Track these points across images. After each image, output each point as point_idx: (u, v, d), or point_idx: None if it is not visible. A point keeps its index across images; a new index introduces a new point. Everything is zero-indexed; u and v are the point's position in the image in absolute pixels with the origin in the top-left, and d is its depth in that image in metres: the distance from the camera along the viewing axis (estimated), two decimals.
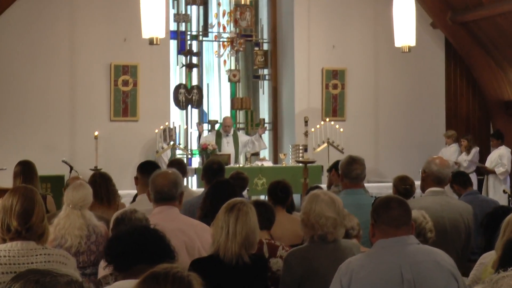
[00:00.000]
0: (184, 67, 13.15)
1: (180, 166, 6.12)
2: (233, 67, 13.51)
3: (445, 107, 14.09)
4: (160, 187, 4.28)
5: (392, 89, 13.68)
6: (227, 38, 13.36)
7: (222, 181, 5.50)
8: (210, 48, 13.71)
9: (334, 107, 13.31)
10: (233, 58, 13.54)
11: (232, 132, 12.44)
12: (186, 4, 13.07)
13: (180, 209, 4.44)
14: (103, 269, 3.83)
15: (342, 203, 3.87)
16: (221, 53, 13.42)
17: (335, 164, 6.25)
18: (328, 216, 3.80)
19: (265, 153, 13.33)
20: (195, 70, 13.33)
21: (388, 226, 3.38)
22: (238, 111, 13.51)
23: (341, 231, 3.87)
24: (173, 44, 13.13)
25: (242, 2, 12.78)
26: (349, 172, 5.22)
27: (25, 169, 6.49)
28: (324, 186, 10.04)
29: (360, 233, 4.48)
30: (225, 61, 13.57)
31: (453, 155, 12.90)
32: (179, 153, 12.69)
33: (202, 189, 6.58)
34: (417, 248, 3.40)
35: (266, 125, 13.47)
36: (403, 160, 13.37)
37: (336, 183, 6.00)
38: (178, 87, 12.90)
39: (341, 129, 12.38)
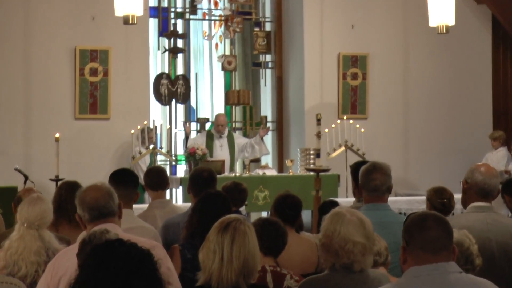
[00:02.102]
0: (167, 52, 13.14)
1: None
2: (227, 53, 13.49)
3: (491, 102, 14.07)
4: (94, 202, 4.28)
5: (425, 80, 13.66)
6: (220, 16, 13.35)
7: (213, 194, 5.47)
8: (199, 29, 13.70)
9: (353, 101, 13.29)
10: (227, 41, 13.53)
11: (226, 133, 12.42)
12: None
13: (120, 225, 4.43)
14: None
15: (372, 225, 3.85)
16: (212, 35, 13.41)
17: (353, 169, 6.21)
18: (356, 241, 3.77)
19: (267, 159, 13.30)
20: (180, 56, 13.32)
21: (423, 250, 3.34)
22: (234, 107, 13.49)
23: (370, 260, 3.84)
24: (153, 23, 13.12)
25: None
26: (366, 183, 5.22)
27: None
28: (340, 199, 10.02)
29: (389, 259, 4.45)
30: (217, 45, 13.55)
31: (501, 161, 12.88)
32: (160, 159, 12.66)
33: (189, 204, 6.55)
34: (459, 278, 3.37)
35: (269, 124, 13.44)
36: (440, 167, 13.34)
37: (359, 197, 5.97)
38: (159, 77, 12.89)
39: (362, 129, 12.36)
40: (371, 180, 5.20)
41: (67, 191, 5.78)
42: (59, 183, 6.37)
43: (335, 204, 6.41)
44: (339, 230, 3.79)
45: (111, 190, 4.36)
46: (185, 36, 13.32)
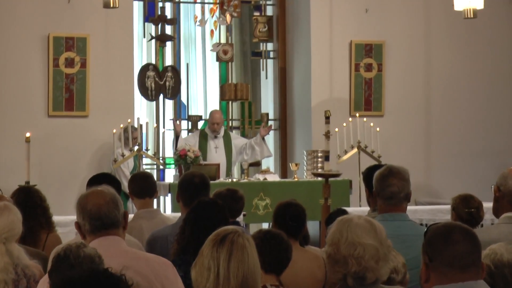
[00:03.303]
0: (153, 40, 13.13)
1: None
2: (223, 41, 13.49)
3: None
4: (96, 210, 4.28)
5: (449, 72, 13.65)
6: None
7: (207, 202, 5.49)
8: (190, 14, 13.69)
9: (367, 97, 13.29)
10: (223, 28, 13.52)
11: (222, 132, 12.41)
12: None
13: (124, 237, 4.43)
14: None
15: (385, 231, 3.84)
16: (205, 20, 13.40)
17: (367, 174, 6.22)
18: (367, 244, 3.75)
19: (269, 163, 13.29)
20: (169, 44, 13.31)
21: (449, 267, 3.36)
22: (230, 102, 13.48)
23: (385, 268, 3.82)
24: (137, 7, 13.11)
25: None
26: (381, 190, 5.22)
27: None
28: (352, 209, 10.01)
29: (407, 277, 4.45)
30: (212, 32, 13.55)
31: None
32: (146, 162, 12.64)
33: (178, 214, 6.56)
34: None
35: (270, 122, 13.43)
36: (467, 172, 13.33)
37: (374, 206, 5.98)
38: (145, 69, 12.88)
39: (377, 128, 12.36)
40: (386, 186, 5.20)
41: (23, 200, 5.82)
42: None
43: (344, 213, 6.39)
44: (346, 235, 3.78)
45: (116, 197, 4.36)
46: (175, 21, 13.30)
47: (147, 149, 11.94)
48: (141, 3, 13.14)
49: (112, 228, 4.29)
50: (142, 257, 4.39)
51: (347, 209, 8.72)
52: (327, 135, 10.49)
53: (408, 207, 5.38)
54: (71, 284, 2.99)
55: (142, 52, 13.32)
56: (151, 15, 13.13)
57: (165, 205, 12.54)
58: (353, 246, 3.76)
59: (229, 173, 12.30)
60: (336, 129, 11.97)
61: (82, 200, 4.33)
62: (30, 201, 6.06)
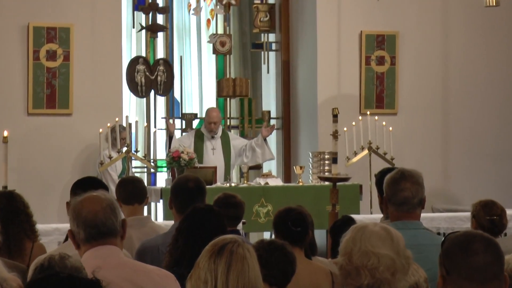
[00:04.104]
0: (143, 31, 13.14)
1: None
2: (220, 31, 13.49)
3: None
4: (91, 217, 4.28)
5: (470, 65, 13.64)
6: None
7: (203, 209, 5.50)
8: (184, 1, 13.69)
9: (379, 93, 13.29)
10: (220, 17, 13.53)
11: (220, 132, 12.41)
12: None
13: (122, 247, 4.44)
14: None
15: (403, 240, 3.84)
16: (200, 8, 13.40)
17: (379, 178, 6.23)
18: (382, 254, 3.75)
19: (271, 166, 13.30)
20: (161, 35, 13.32)
21: (469, 280, 3.36)
22: (228, 99, 13.49)
23: (403, 282, 3.82)
24: None
25: None
26: (393, 195, 5.23)
27: None
28: (362, 217, 10.01)
29: None
30: (208, 22, 13.55)
31: None
32: (135, 165, 12.65)
33: (171, 222, 6.57)
34: None
35: (272, 121, 13.43)
36: (489, 176, 13.32)
37: (386, 213, 5.98)
38: (134, 62, 12.88)
39: (390, 128, 12.37)
40: (399, 191, 5.21)
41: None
42: None
43: (351, 221, 6.36)
44: (360, 244, 3.78)
45: (114, 203, 4.37)
46: (167, 10, 13.31)
47: (136, 151, 11.96)
48: None
49: (109, 237, 4.30)
50: (142, 269, 4.40)
51: (357, 216, 8.75)
52: (335, 135, 10.49)
53: (425, 215, 5.40)
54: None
55: (132, 44, 13.34)
56: (141, 3, 13.13)
57: (157, 212, 12.56)
58: (366, 256, 3.76)
59: (227, 177, 12.29)
60: (345, 129, 11.98)
61: (77, 206, 4.33)
62: (12, 207, 6.06)
